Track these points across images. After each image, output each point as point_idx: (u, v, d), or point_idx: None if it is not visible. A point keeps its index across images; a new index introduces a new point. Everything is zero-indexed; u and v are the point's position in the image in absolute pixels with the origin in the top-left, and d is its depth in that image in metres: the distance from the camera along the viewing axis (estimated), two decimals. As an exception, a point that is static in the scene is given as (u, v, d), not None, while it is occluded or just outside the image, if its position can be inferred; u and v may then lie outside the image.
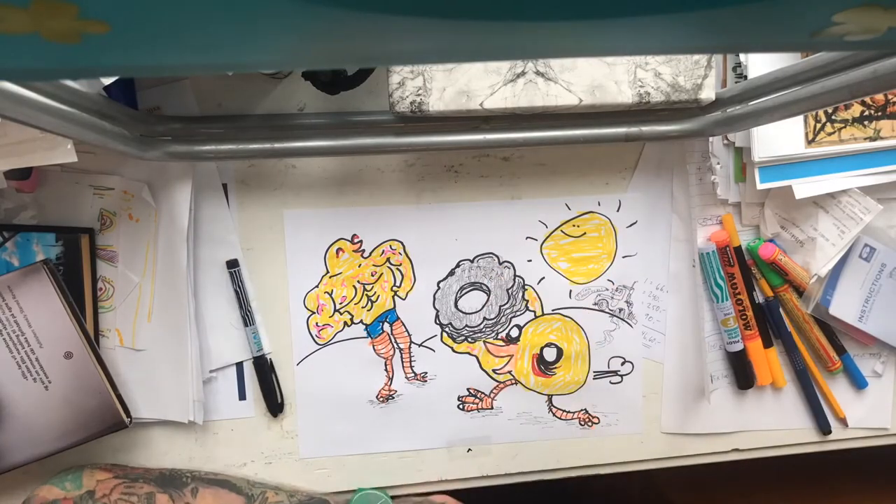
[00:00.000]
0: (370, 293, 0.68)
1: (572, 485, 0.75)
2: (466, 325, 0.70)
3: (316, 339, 0.68)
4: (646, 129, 0.63)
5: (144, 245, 0.64)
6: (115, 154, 0.62)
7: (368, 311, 0.68)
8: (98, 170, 0.63)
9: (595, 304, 0.71)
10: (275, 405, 0.67)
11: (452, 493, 0.71)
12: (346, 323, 0.68)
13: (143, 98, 0.61)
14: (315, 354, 0.68)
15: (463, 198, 0.68)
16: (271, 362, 0.67)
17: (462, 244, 0.69)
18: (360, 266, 0.68)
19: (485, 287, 0.70)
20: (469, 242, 0.69)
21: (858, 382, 0.74)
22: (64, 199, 0.63)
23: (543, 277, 0.70)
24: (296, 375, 0.68)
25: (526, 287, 0.70)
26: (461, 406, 0.71)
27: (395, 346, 0.69)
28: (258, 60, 0.24)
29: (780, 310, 0.72)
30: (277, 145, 0.60)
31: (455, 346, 0.70)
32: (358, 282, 0.68)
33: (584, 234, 0.70)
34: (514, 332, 0.70)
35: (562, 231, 0.70)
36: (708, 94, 0.59)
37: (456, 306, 0.69)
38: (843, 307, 0.70)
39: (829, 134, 0.65)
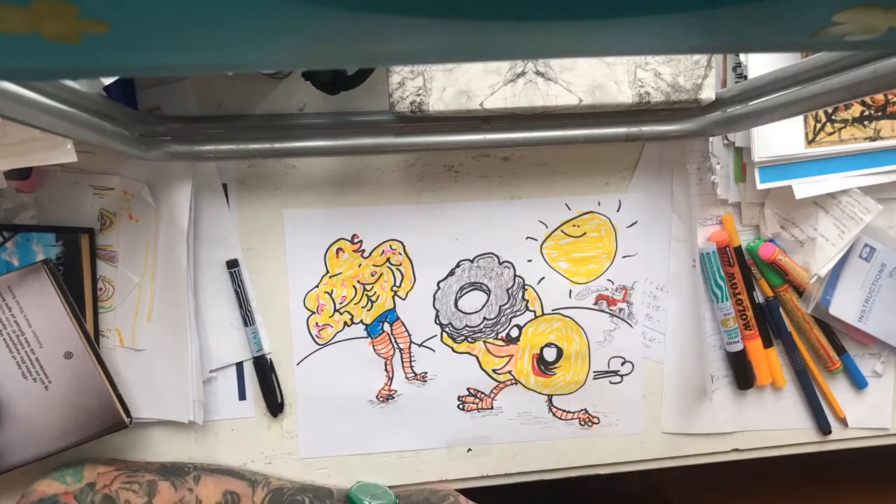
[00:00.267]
0: (370, 293, 0.68)
1: (572, 485, 0.75)
2: (466, 325, 0.70)
3: (316, 339, 0.68)
4: (646, 129, 0.63)
5: (144, 245, 0.64)
6: (115, 154, 0.62)
7: (368, 311, 0.68)
8: (98, 170, 0.63)
9: (595, 304, 0.71)
10: (275, 405, 0.67)
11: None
12: (346, 323, 0.68)
13: (143, 98, 0.61)
14: (315, 354, 0.68)
15: (463, 198, 0.68)
16: (271, 362, 0.67)
17: (462, 244, 0.69)
18: (360, 266, 0.68)
19: (485, 287, 0.70)
20: (469, 242, 0.69)
21: (858, 382, 0.74)
22: (64, 199, 0.63)
23: (543, 277, 0.70)
24: (296, 375, 0.68)
25: (526, 287, 0.70)
26: (461, 406, 0.71)
27: (395, 346, 0.69)
28: (258, 60, 0.24)
29: (780, 310, 0.72)
30: (277, 145, 0.60)
31: (455, 346, 0.70)
32: (358, 282, 0.68)
33: (584, 234, 0.70)
34: (514, 332, 0.70)
35: (562, 231, 0.70)
36: (708, 94, 0.59)
37: (456, 306, 0.69)
38: (843, 307, 0.70)
39: (829, 134, 0.65)
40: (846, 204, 0.68)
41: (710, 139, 0.68)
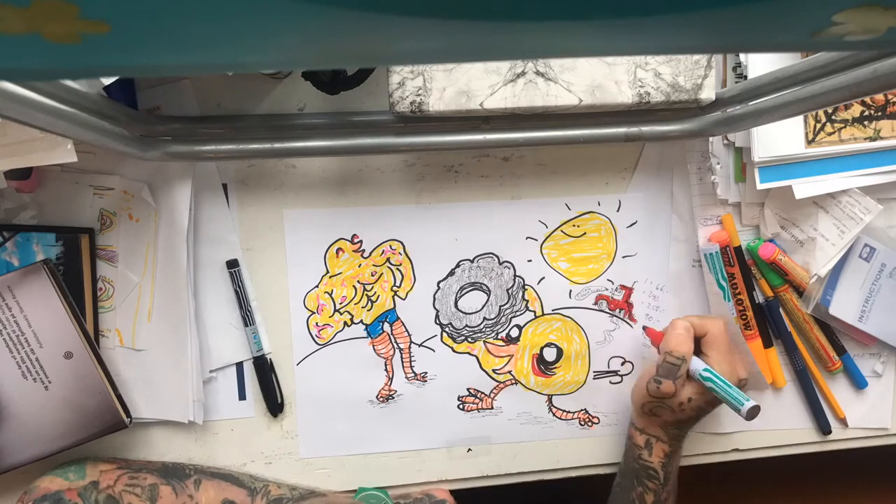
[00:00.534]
0: (370, 293, 0.68)
1: (572, 485, 0.75)
2: (466, 325, 0.70)
3: (316, 339, 0.68)
4: (646, 129, 0.63)
5: (144, 245, 0.64)
6: (115, 154, 0.62)
7: (368, 311, 0.68)
8: (98, 170, 0.63)
9: (595, 304, 0.71)
10: (275, 405, 0.67)
11: (452, 494, 0.71)
12: (346, 323, 0.68)
13: (143, 98, 0.61)
14: (315, 354, 0.68)
15: (463, 198, 0.68)
16: (271, 362, 0.67)
17: (462, 244, 0.69)
18: (360, 266, 0.68)
19: (485, 287, 0.70)
20: (469, 242, 0.69)
21: (858, 382, 0.74)
22: (64, 199, 0.63)
23: (543, 277, 0.70)
24: (296, 375, 0.68)
25: (526, 287, 0.70)
26: (461, 406, 0.71)
27: (395, 346, 0.69)
28: (258, 60, 0.24)
29: (780, 310, 0.72)
30: (277, 145, 0.60)
31: (455, 346, 0.70)
32: (358, 282, 0.68)
33: (584, 234, 0.70)
34: (514, 332, 0.70)
35: (562, 231, 0.70)
36: (708, 94, 0.59)
37: (456, 306, 0.69)
38: (843, 307, 0.70)
39: (829, 134, 0.65)
40: (846, 204, 0.68)
41: (710, 139, 0.68)
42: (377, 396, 0.69)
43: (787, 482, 0.91)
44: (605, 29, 0.20)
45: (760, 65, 0.64)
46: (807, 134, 0.65)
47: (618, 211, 0.70)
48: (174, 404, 0.65)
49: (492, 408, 0.71)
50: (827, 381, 0.74)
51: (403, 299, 0.68)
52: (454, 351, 0.70)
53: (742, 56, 0.65)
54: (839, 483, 0.89)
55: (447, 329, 0.69)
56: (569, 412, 0.72)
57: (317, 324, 0.67)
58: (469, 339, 0.70)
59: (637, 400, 0.68)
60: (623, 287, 0.71)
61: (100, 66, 0.21)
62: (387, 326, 0.69)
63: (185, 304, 0.63)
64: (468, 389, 0.70)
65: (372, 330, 0.68)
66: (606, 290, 0.71)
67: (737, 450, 0.75)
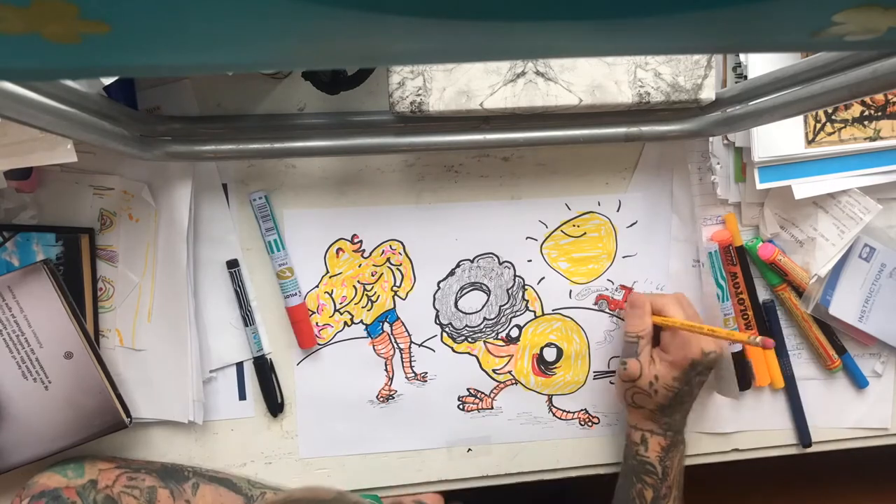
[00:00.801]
0: (370, 293, 0.68)
1: (572, 485, 0.75)
2: (466, 325, 0.70)
3: (316, 338, 0.68)
4: (646, 129, 0.63)
5: (144, 245, 0.64)
6: (115, 154, 0.62)
7: (368, 311, 0.68)
8: (98, 170, 0.63)
9: (595, 304, 0.71)
10: (275, 405, 0.67)
11: (452, 493, 0.71)
12: (346, 323, 0.68)
13: (143, 98, 0.61)
14: (315, 354, 0.68)
15: (463, 198, 0.68)
16: (271, 362, 0.67)
17: (462, 244, 0.69)
18: (360, 266, 0.68)
19: (485, 287, 0.70)
20: (469, 242, 0.69)
21: (858, 382, 0.74)
22: (64, 199, 0.63)
23: (543, 277, 0.70)
24: (296, 375, 0.68)
25: (526, 287, 0.70)
26: (461, 406, 0.71)
27: (395, 346, 0.69)
28: (258, 60, 0.24)
29: (776, 312, 0.72)
30: (277, 145, 0.60)
31: (455, 346, 0.70)
32: (358, 282, 0.68)
33: (584, 234, 0.70)
34: (514, 332, 0.70)
35: (562, 231, 0.70)
36: (708, 94, 0.59)
37: (456, 306, 0.69)
38: (843, 307, 0.70)
39: (829, 134, 0.65)
40: (846, 204, 0.68)
41: (710, 139, 0.68)
42: (377, 396, 0.69)
43: (787, 482, 0.91)
44: (605, 29, 0.20)
45: (760, 65, 0.64)
46: (807, 134, 0.65)
47: (618, 211, 0.70)
48: (174, 404, 0.65)
49: (492, 408, 0.71)
50: (827, 381, 0.74)
51: (403, 299, 0.68)
52: (454, 351, 0.70)
53: (742, 56, 0.65)
54: (839, 483, 0.89)
55: (447, 329, 0.69)
56: (569, 412, 0.72)
57: (317, 324, 0.67)
58: (469, 339, 0.70)
59: (619, 392, 0.68)
60: (623, 287, 0.71)
61: (100, 66, 0.21)
62: (387, 326, 0.69)
63: (185, 304, 0.63)
64: (468, 389, 0.70)
65: (372, 330, 0.68)
66: (606, 290, 0.71)
67: (737, 450, 0.75)
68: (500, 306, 0.70)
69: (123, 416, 0.62)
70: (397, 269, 0.68)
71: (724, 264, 0.69)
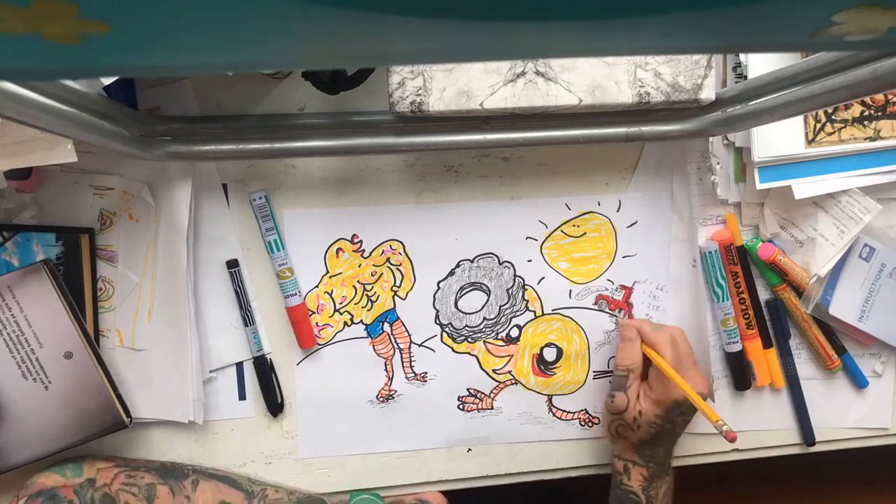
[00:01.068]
0: (370, 293, 0.68)
1: (572, 485, 0.75)
2: (466, 325, 0.70)
3: (316, 338, 0.68)
4: (646, 129, 0.63)
5: (144, 245, 0.64)
6: (115, 154, 0.62)
7: (368, 311, 0.68)
8: (98, 170, 0.63)
9: (595, 304, 0.71)
10: (275, 405, 0.67)
11: (452, 494, 0.70)
12: (346, 323, 0.68)
13: (143, 98, 0.61)
14: (315, 354, 0.68)
15: (463, 198, 0.68)
16: (271, 362, 0.67)
17: (462, 244, 0.69)
18: (360, 266, 0.68)
19: (485, 287, 0.70)
20: (469, 242, 0.69)
21: (858, 382, 0.74)
22: (64, 199, 0.63)
23: (543, 277, 0.70)
24: (296, 375, 0.68)
25: (526, 287, 0.70)
26: (461, 406, 0.71)
27: (395, 346, 0.69)
28: (258, 60, 0.24)
29: (782, 309, 0.72)
30: (277, 145, 0.60)
31: (455, 346, 0.70)
32: (358, 282, 0.68)
33: (584, 234, 0.70)
34: (514, 332, 0.70)
35: (562, 231, 0.70)
36: (708, 94, 0.59)
37: (456, 306, 0.69)
38: (843, 307, 0.70)
39: (829, 134, 0.65)
40: (846, 204, 0.68)
41: (710, 139, 0.68)
42: (377, 396, 0.69)
43: (787, 482, 0.91)
44: (605, 29, 0.20)
45: (760, 65, 0.64)
46: (807, 134, 0.65)
47: (618, 211, 0.70)
48: (174, 404, 0.65)
49: (492, 408, 0.71)
50: (826, 381, 0.74)
51: (403, 299, 0.68)
52: (454, 351, 0.70)
53: (742, 56, 0.65)
54: (839, 483, 0.89)
55: (447, 329, 0.69)
56: (569, 412, 0.72)
57: (317, 324, 0.67)
58: (469, 339, 0.70)
59: (605, 422, 0.69)
60: (623, 287, 0.71)
61: (100, 66, 0.21)
62: (387, 326, 0.69)
63: (185, 304, 0.63)
64: (468, 389, 0.70)
65: (372, 330, 0.68)
66: (606, 290, 0.71)
67: (737, 450, 0.75)
68: (500, 306, 0.70)
69: (123, 416, 0.62)
70: (397, 269, 0.68)
71: (725, 264, 0.69)
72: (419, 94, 0.56)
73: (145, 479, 0.62)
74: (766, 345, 0.72)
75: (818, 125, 0.65)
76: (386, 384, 0.69)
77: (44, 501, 0.57)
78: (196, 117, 0.62)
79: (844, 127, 0.65)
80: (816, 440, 0.75)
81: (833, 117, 0.65)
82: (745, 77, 0.65)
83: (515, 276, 0.70)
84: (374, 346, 0.69)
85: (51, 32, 0.18)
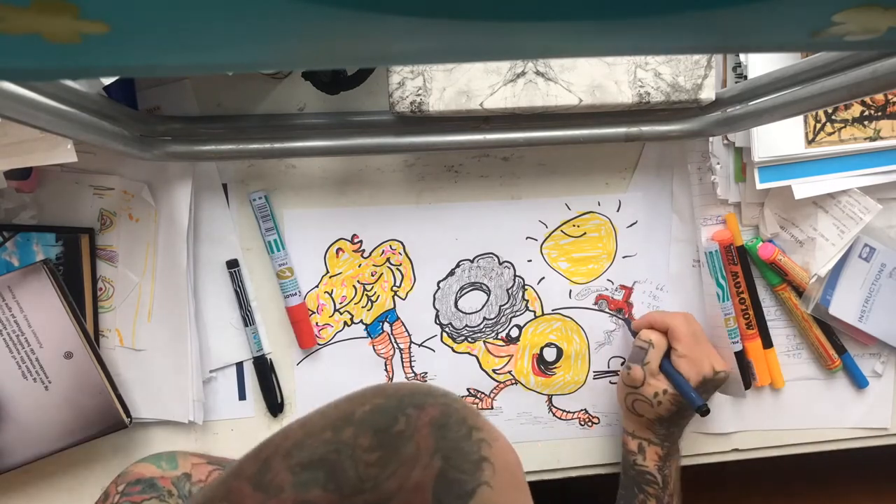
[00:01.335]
0: (370, 293, 0.68)
1: (572, 485, 0.75)
2: (466, 325, 0.70)
3: (316, 338, 0.68)
4: (646, 129, 0.63)
5: (144, 245, 0.64)
6: (115, 154, 0.62)
7: (368, 311, 0.68)
8: (98, 170, 0.63)
9: (595, 304, 0.71)
10: (275, 405, 0.67)
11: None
12: (346, 323, 0.68)
13: (143, 98, 0.61)
14: (315, 354, 0.68)
15: (463, 198, 0.68)
16: (271, 362, 0.67)
17: (462, 244, 0.69)
18: (360, 266, 0.68)
19: (485, 287, 0.70)
20: (469, 242, 0.69)
21: (858, 382, 0.74)
22: (64, 199, 0.63)
23: (543, 277, 0.70)
24: (296, 375, 0.68)
25: (526, 287, 0.70)
26: (461, 406, 0.71)
27: (395, 346, 0.69)
28: (258, 60, 0.24)
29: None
30: (277, 145, 0.60)
31: (455, 346, 0.70)
32: (358, 282, 0.68)
33: (584, 234, 0.70)
34: (514, 332, 0.70)
35: (562, 231, 0.70)
36: (708, 94, 0.59)
37: (456, 306, 0.69)
38: (843, 307, 0.70)
39: (829, 134, 0.65)
40: (846, 204, 0.68)
41: (710, 139, 0.68)
42: (377, 396, 0.69)
43: (787, 482, 0.91)
44: (605, 29, 0.20)
45: (760, 65, 0.64)
46: (807, 134, 0.65)
47: (618, 211, 0.70)
48: (174, 404, 0.65)
49: (492, 408, 0.71)
50: (827, 381, 0.74)
51: (403, 299, 0.68)
52: (454, 351, 0.70)
53: (742, 56, 0.65)
54: (839, 483, 0.89)
55: (447, 329, 0.69)
56: (569, 412, 0.72)
57: (317, 324, 0.67)
58: (469, 339, 0.70)
59: (619, 396, 0.68)
60: (623, 287, 0.71)
61: (100, 66, 0.21)
62: (387, 326, 0.69)
63: (185, 304, 0.63)
64: (468, 389, 0.70)
65: (372, 330, 0.68)
66: (606, 290, 0.71)
67: (737, 450, 0.75)
68: (500, 306, 0.70)
69: (123, 416, 0.62)
70: (397, 268, 0.68)
71: (725, 264, 0.69)
72: (419, 94, 0.56)
73: None
74: (766, 345, 0.72)
75: (818, 125, 0.65)
76: (386, 384, 0.69)
77: (143, 489, 0.57)
78: (196, 117, 0.62)
79: (844, 127, 0.65)
80: (816, 440, 0.75)
81: (833, 117, 0.65)
82: (745, 77, 0.65)
83: (515, 276, 0.70)
84: (374, 346, 0.69)
85: (51, 32, 0.18)
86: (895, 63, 0.39)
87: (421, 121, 0.60)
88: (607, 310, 0.71)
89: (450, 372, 0.70)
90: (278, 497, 0.37)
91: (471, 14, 0.19)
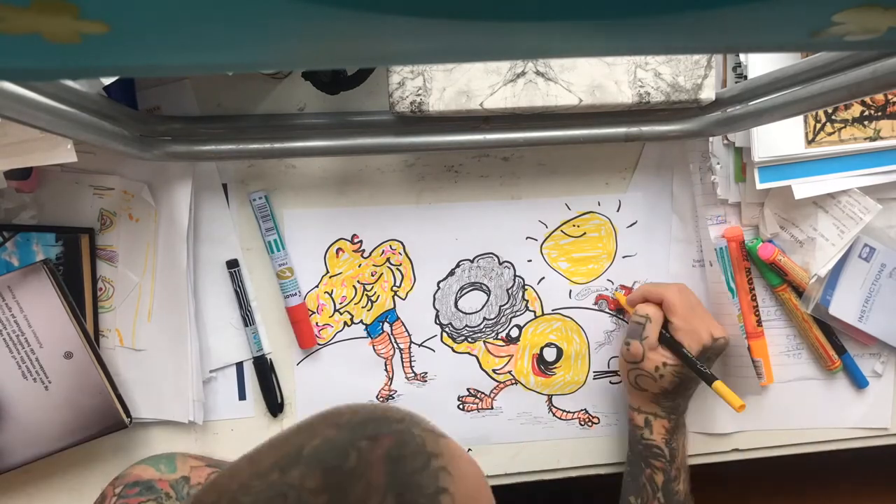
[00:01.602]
0: (370, 293, 0.68)
1: (572, 485, 0.75)
2: (466, 325, 0.70)
3: (316, 338, 0.68)
4: (646, 129, 0.63)
5: (144, 245, 0.64)
6: (115, 154, 0.62)
7: (368, 311, 0.68)
8: (98, 170, 0.63)
9: (595, 304, 0.71)
10: (275, 405, 0.67)
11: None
12: (346, 323, 0.68)
13: (143, 98, 0.61)
14: (315, 354, 0.68)
15: (463, 198, 0.68)
16: (271, 362, 0.67)
17: (462, 244, 0.69)
18: (360, 266, 0.68)
19: (485, 287, 0.70)
20: (469, 242, 0.69)
21: (858, 382, 0.74)
22: (64, 199, 0.63)
23: (543, 277, 0.70)
24: (296, 375, 0.68)
25: (526, 287, 0.70)
26: (461, 406, 0.71)
27: (395, 346, 0.69)
28: (258, 60, 0.24)
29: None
30: (277, 145, 0.60)
31: (455, 346, 0.70)
32: (358, 282, 0.68)
33: (584, 234, 0.70)
34: (514, 332, 0.70)
35: (562, 231, 0.70)
36: (708, 94, 0.59)
37: (456, 306, 0.69)
38: (843, 307, 0.70)
39: (829, 134, 0.65)
40: (846, 204, 0.68)
41: (710, 139, 0.68)
42: (377, 397, 0.69)
43: (787, 482, 0.91)
44: (605, 29, 0.20)
45: (760, 65, 0.64)
46: (807, 134, 0.65)
47: (618, 211, 0.70)
48: (174, 404, 0.65)
49: (492, 408, 0.71)
50: (827, 381, 0.74)
51: (403, 299, 0.68)
52: (454, 351, 0.70)
53: (742, 56, 0.65)
54: (839, 483, 0.89)
55: (447, 329, 0.69)
56: (569, 412, 0.72)
57: (317, 324, 0.67)
58: (469, 339, 0.70)
59: (622, 371, 0.68)
60: (623, 287, 0.71)
61: (100, 66, 0.21)
62: (387, 326, 0.69)
63: (185, 304, 0.63)
64: (468, 389, 0.70)
65: (372, 330, 0.68)
66: (606, 290, 0.71)
67: (737, 450, 0.75)
68: (500, 306, 0.70)
69: (123, 416, 0.62)
70: (397, 269, 0.68)
71: (737, 260, 0.69)
72: (419, 94, 0.56)
73: None
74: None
75: (818, 125, 0.65)
76: (386, 384, 0.69)
77: (141, 491, 0.57)
78: (196, 117, 0.62)
79: (844, 127, 0.65)
80: (816, 440, 0.75)
81: (833, 117, 0.65)
82: (745, 77, 0.65)
83: (515, 276, 0.70)
84: (374, 346, 0.69)
85: (51, 32, 0.18)
86: (895, 63, 0.39)
87: (421, 121, 0.60)
88: (607, 310, 0.71)
89: (450, 372, 0.70)
90: None
91: (471, 14, 0.19)
